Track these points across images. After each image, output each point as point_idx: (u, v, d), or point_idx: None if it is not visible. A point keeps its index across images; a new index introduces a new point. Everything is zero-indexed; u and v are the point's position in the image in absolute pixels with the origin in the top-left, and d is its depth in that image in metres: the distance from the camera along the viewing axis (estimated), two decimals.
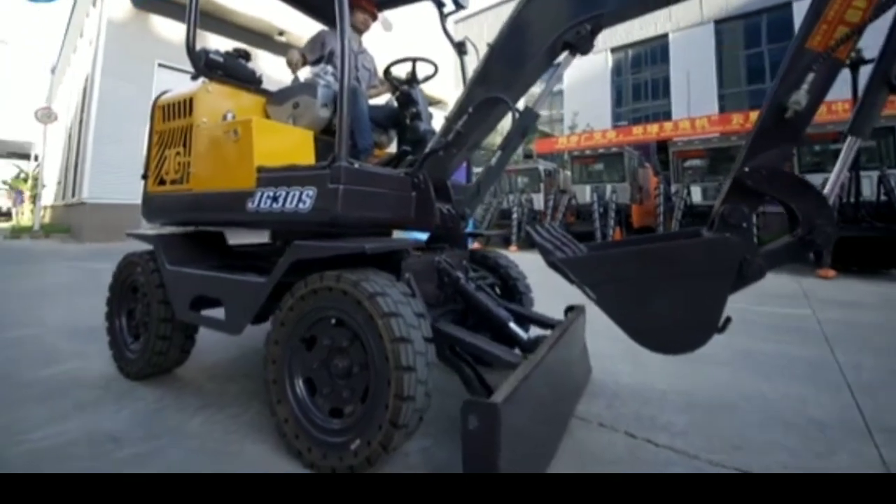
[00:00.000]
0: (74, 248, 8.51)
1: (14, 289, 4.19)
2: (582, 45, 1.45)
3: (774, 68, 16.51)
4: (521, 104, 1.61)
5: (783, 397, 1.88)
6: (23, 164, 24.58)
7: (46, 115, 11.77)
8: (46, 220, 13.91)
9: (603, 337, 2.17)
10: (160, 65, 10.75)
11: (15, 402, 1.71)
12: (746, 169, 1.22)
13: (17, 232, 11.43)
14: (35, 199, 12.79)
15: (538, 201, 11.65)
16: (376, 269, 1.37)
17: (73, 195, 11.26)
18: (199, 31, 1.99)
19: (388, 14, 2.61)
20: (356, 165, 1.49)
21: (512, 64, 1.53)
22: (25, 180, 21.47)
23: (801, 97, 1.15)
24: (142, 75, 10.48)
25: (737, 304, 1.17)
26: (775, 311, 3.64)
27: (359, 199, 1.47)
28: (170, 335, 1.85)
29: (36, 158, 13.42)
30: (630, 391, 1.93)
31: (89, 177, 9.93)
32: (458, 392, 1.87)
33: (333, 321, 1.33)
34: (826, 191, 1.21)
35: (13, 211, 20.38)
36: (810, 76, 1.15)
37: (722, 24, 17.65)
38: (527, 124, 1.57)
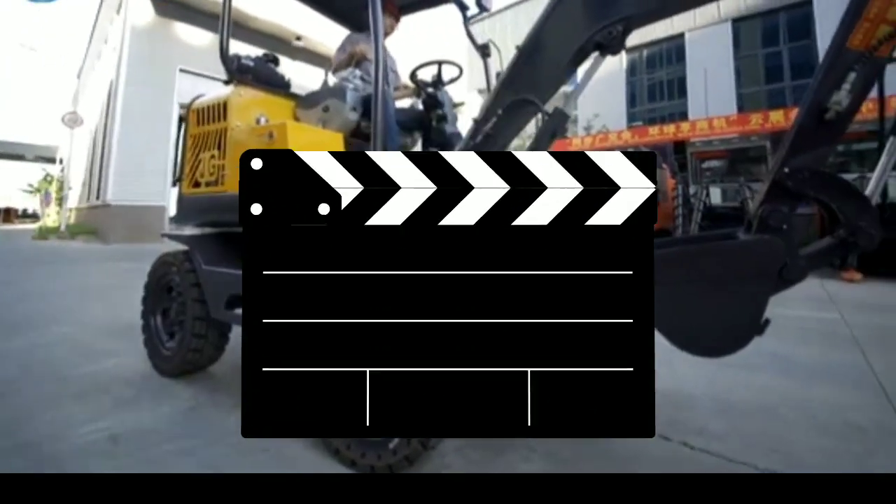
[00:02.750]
0: (100, 249, 8.77)
1: (48, 288, 4.34)
2: (614, 46, 1.44)
3: (794, 67, 16.27)
4: (549, 106, 1.61)
5: (819, 402, 1.86)
6: (49, 166, 25.45)
7: (73, 120, 12.15)
8: (72, 221, 14.34)
9: None
10: (181, 70, 11.02)
11: (60, 399, 1.77)
12: (787, 170, 1.20)
13: (45, 233, 11.80)
14: (61, 201, 13.21)
15: None
16: None
17: (98, 197, 11.60)
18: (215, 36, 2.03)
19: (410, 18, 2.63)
20: None
21: (541, 66, 1.53)
22: (51, 182, 22.23)
23: (842, 97, 1.13)
24: (164, 80, 10.77)
25: None
26: (801, 314, 3.56)
27: None
28: (205, 333, 1.89)
29: (61, 161, 13.84)
30: (661, 395, 1.91)
31: (113, 179, 10.23)
32: None
33: None
34: (868, 192, 1.19)
35: (40, 212, 21.09)
36: (851, 76, 1.13)
37: (739, 23, 17.37)
38: (556, 126, 1.57)
